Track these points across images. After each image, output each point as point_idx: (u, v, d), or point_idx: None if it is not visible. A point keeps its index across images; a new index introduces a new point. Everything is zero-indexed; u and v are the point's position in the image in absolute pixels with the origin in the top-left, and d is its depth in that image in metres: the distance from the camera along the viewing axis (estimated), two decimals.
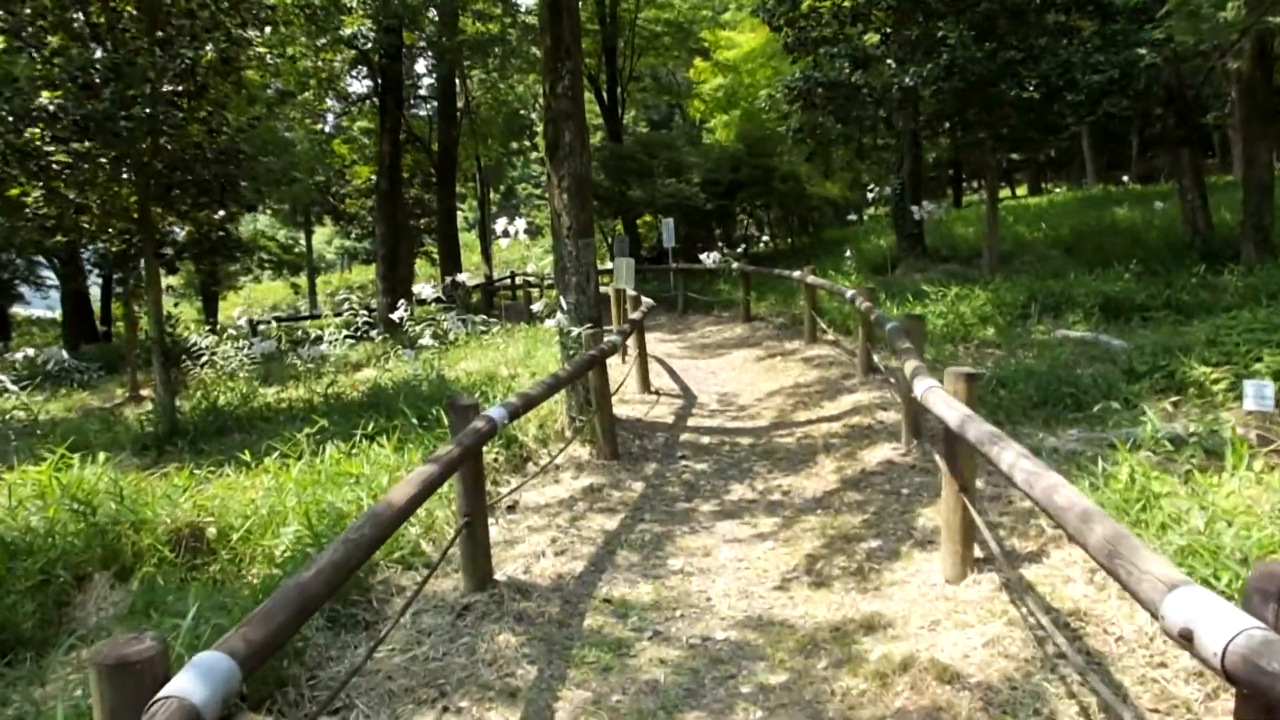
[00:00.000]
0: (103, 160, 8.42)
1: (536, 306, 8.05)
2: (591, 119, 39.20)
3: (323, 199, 28.68)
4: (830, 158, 19.66)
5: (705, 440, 7.78)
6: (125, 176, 8.84)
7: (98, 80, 7.27)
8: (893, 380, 8.64)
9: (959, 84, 10.78)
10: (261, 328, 12.14)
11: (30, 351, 16.14)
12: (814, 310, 11.84)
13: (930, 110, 12.11)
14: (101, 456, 6.48)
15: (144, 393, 17.72)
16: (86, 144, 8.30)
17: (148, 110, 7.80)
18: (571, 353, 7.50)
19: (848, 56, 11.64)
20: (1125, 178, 28.20)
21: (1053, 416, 6.88)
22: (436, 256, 26.43)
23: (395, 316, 11.55)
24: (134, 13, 7.77)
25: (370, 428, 7.40)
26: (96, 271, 27.75)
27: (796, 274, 12.22)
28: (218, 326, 11.89)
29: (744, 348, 12.65)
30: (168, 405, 9.47)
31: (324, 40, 15.02)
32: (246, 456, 6.97)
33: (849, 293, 9.55)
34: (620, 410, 8.88)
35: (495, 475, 6.78)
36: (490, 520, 5.64)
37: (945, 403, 4.02)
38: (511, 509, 6.18)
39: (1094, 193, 25.20)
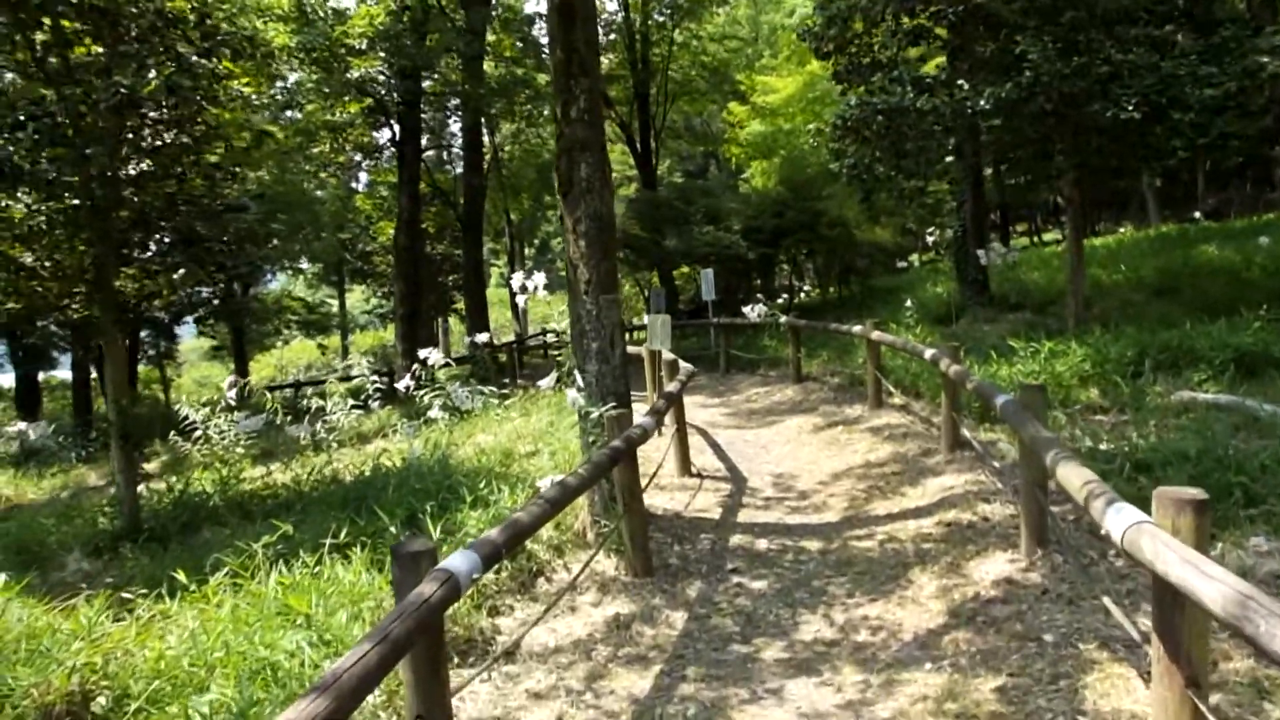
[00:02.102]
0: (45, 213, 7.17)
1: (545, 382, 6.50)
2: (625, 169, 38.29)
3: (350, 257, 27.70)
4: (888, 197, 18.22)
5: (762, 544, 6.19)
6: (80, 234, 7.60)
7: (22, 116, 6.05)
8: (993, 461, 7.01)
9: (1043, 106, 9.27)
10: (264, 395, 10.92)
11: (21, 425, 15.04)
12: (878, 370, 10.25)
13: (1001, 138, 10.56)
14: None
15: (145, 467, 16.55)
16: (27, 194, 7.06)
17: (86, 152, 6.55)
18: (591, 440, 5.99)
19: (910, 80, 10.20)
20: (1196, 214, 26.31)
21: (1221, 516, 5.21)
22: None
23: (401, 385, 10.15)
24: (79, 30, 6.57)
25: (345, 533, 5.95)
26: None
27: (857, 328, 10.67)
28: (244, 388, 10.56)
29: (798, 414, 11.06)
30: (127, 498, 8.13)
31: (329, 85, 13.94)
32: (183, 577, 5.52)
33: (928, 352, 7.97)
34: (656, 501, 7.33)
35: (494, 600, 5.28)
36: (478, 680, 4.13)
37: (1169, 551, 2.45)
38: (510, 655, 4.65)
39: (1165, 231, 23.37)
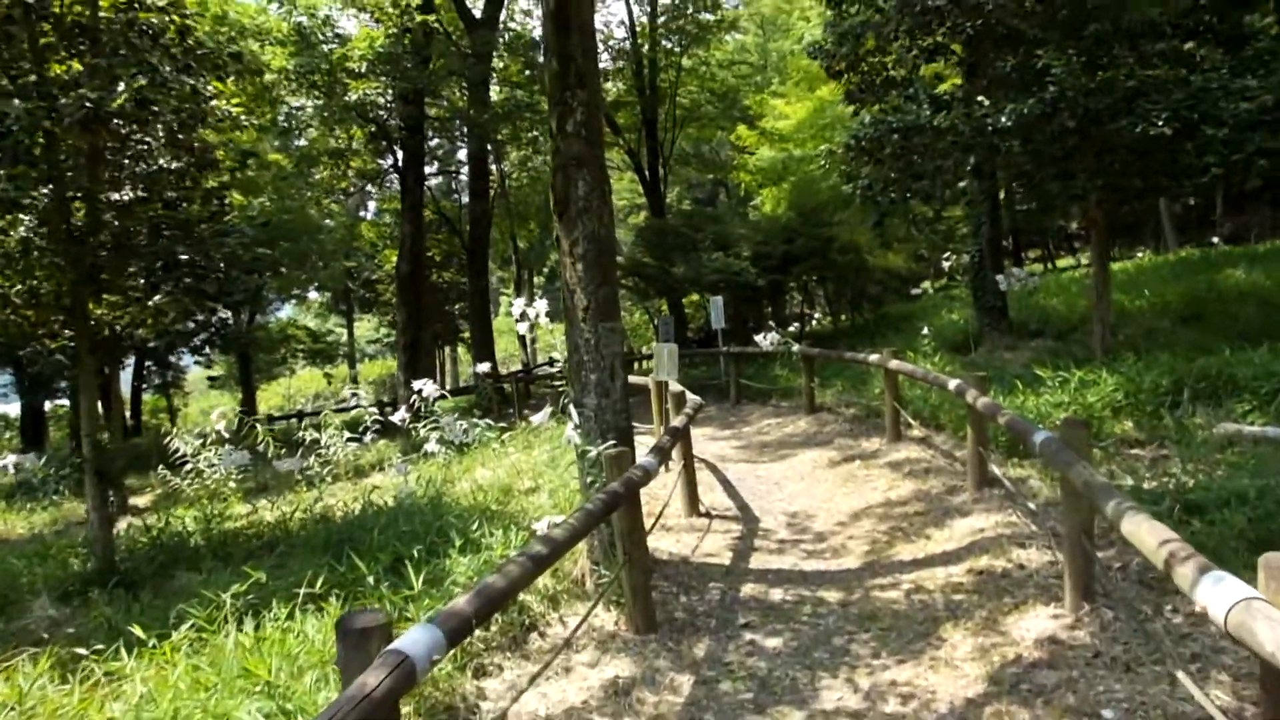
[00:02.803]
0: (13, 237, 6.77)
1: (539, 416, 6.00)
2: (634, 197, 37.99)
3: (353, 285, 27.36)
4: (901, 223, 17.76)
5: (776, 594, 5.66)
6: (50, 260, 7.18)
7: None
8: (1025, 501, 6.49)
9: (1066, 122, 8.80)
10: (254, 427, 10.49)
11: (12, 457, 14.62)
12: (896, 401, 9.74)
13: (1021, 158, 10.09)
14: None
15: (134, 502, 16.09)
16: None
17: (54, 173, 6.14)
18: (590, 480, 5.50)
19: (927, 98, 9.77)
20: (1215, 239, 25.76)
21: None
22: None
23: (396, 418, 9.68)
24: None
25: (322, 582, 5.46)
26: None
27: (874, 357, 10.17)
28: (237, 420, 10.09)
29: (812, 447, 10.54)
30: (101, 538, 7.65)
31: (329, 109, 13.60)
32: (140, 632, 5.03)
33: (952, 383, 7.46)
34: (661, 544, 6.83)
35: (481, 659, 4.77)
36: None
37: None
38: None
39: (1185, 256, 22.83)
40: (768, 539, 7.04)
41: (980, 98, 9.29)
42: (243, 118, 8.93)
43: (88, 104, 5.74)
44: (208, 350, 21.44)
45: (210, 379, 32.21)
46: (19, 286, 7.45)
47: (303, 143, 18.34)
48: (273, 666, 4.18)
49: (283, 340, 31.00)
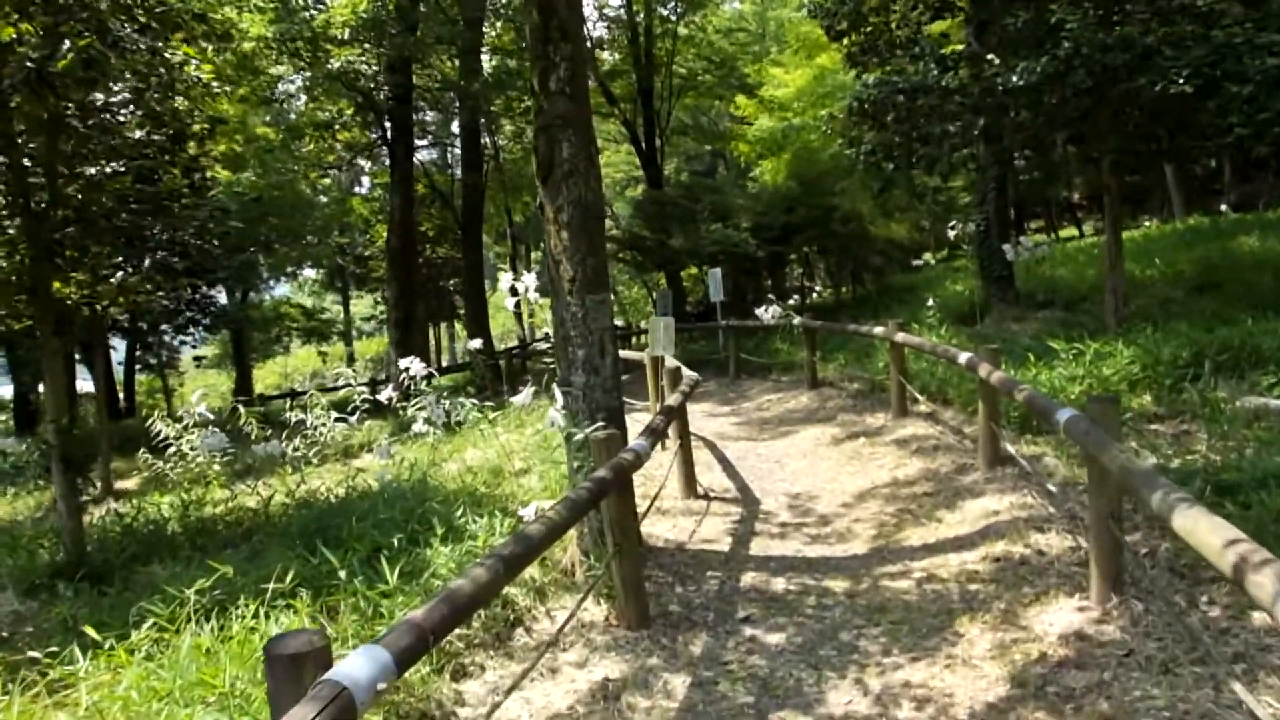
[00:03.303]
0: None
1: (521, 397, 5.58)
2: (631, 170, 37.39)
3: (342, 261, 26.91)
4: (903, 194, 17.29)
5: (779, 584, 5.30)
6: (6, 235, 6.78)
7: None
8: (1043, 481, 6.12)
9: (1083, 81, 8.35)
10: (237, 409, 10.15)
11: None
12: (902, 375, 9.36)
13: (1032, 119, 9.62)
14: None
15: (121, 485, 15.76)
16: None
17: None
18: (578, 465, 5.12)
19: (933, 57, 9.29)
20: (1223, 207, 25.28)
21: None
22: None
23: (383, 397, 9.31)
24: None
25: (292, 576, 5.10)
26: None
27: (879, 330, 9.77)
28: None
29: (814, 424, 10.17)
30: (70, 528, 7.29)
31: (311, 78, 13.10)
32: (94, 633, 4.67)
33: (963, 356, 7.08)
34: (656, 529, 6.47)
35: (462, 658, 4.42)
36: None
37: None
38: None
39: (1194, 224, 22.38)
40: (769, 522, 6.68)
41: (990, 55, 8.83)
42: (217, 85, 8.44)
43: (29, 64, 5.31)
44: (192, 330, 21.04)
45: (196, 359, 31.67)
46: None
47: (290, 115, 17.83)
48: (230, 673, 3.83)
49: (276, 319, 30.57)
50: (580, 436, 4.80)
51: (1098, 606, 4.26)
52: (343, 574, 4.94)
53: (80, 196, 7.47)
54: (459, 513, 6.17)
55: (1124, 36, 8.24)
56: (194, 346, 24.54)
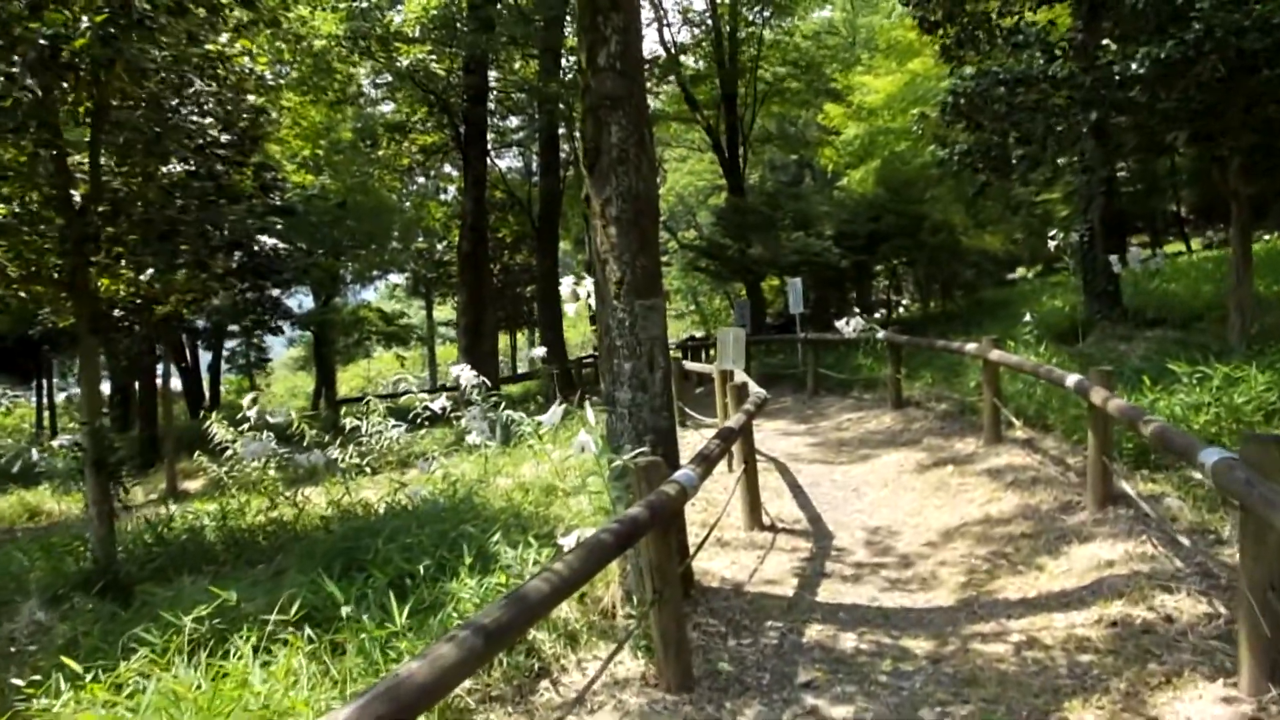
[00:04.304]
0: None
1: (548, 416, 4.84)
2: (714, 178, 36.67)
3: (416, 266, 26.85)
4: (1002, 200, 16.19)
5: (848, 640, 4.54)
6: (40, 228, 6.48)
7: None
8: (1167, 527, 5.23)
9: (1213, 69, 7.37)
10: (279, 418, 9.81)
11: (65, 439, 14.32)
12: (996, 397, 8.46)
13: (1151, 114, 8.62)
14: None
15: (187, 486, 15.74)
16: None
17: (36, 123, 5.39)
18: (617, 495, 4.47)
19: (1039, 44, 8.38)
20: None
21: None
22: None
23: (436, 406, 8.84)
24: None
25: (299, 608, 4.58)
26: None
27: (971, 346, 8.89)
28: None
29: (897, 448, 9.31)
30: (100, 535, 6.96)
31: (383, 76, 12.80)
32: (73, 664, 4.20)
33: (1071, 379, 6.20)
34: (713, 565, 5.77)
35: (473, 716, 3.81)
36: None
37: None
38: None
39: None
40: (842, 561, 5.91)
41: (1105, 41, 7.89)
42: (271, 77, 8.09)
43: (42, 41, 4.96)
44: (258, 331, 21.10)
45: (239, 363, 31.88)
46: (15, 259, 6.76)
47: (367, 114, 17.67)
48: None
49: (355, 323, 30.75)
50: (619, 463, 4.14)
51: (1250, 698, 3.42)
52: (347, 609, 4.38)
53: (124, 191, 7.15)
54: (495, 538, 5.59)
55: (1262, 17, 7.22)
56: (257, 349, 24.71)
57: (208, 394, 30.83)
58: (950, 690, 3.91)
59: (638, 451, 4.31)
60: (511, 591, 2.50)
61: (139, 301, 7.95)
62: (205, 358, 31.20)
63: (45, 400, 31.90)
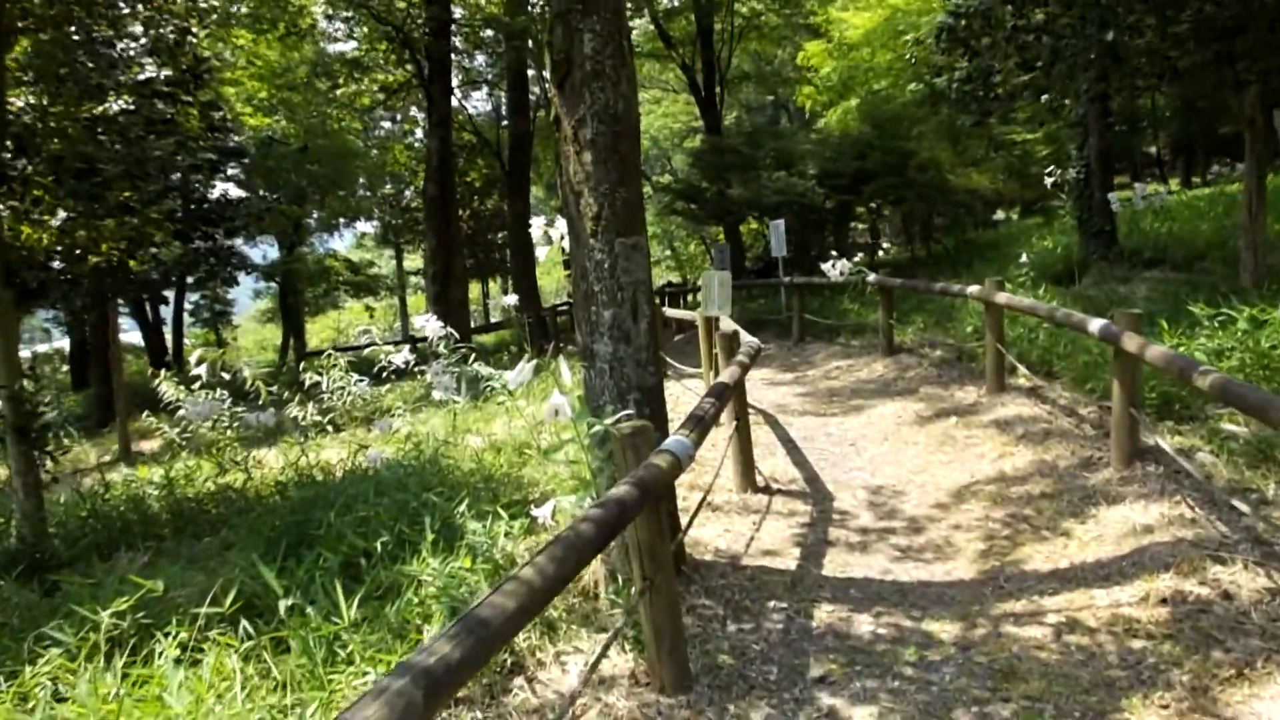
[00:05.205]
0: None
1: (515, 375, 4.10)
2: (690, 120, 35.64)
3: (384, 213, 25.87)
4: (985, 140, 15.51)
5: (864, 624, 4.01)
6: None
7: None
8: (1205, 486, 4.71)
9: None
10: (248, 371, 9.08)
11: None
12: (1000, 343, 7.93)
13: (1159, 40, 7.99)
14: None
15: (142, 447, 15.02)
16: None
17: None
18: (596, 467, 3.87)
19: None
20: None
21: None
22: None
23: (399, 360, 8.17)
24: None
25: (234, 598, 3.98)
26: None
27: (974, 289, 8.32)
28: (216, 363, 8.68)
29: (892, 397, 8.78)
30: (27, 509, 6.30)
31: (337, 8, 11.87)
32: None
33: (1094, 323, 5.63)
34: (705, 533, 5.21)
35: None
36: None
37: None
38: None
39: None
40: (845, 526, 5.38)
41: None
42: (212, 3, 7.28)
43: None
44: (210, 283, 20.19)
45: (204, 316, 30.78)
46: None
47: (324, 51, 16.65)
48: None
49: (321, 273, 29.76)
50: (599, 430, 3.53)
51: None
52: (287, 603, 3.78)
53: (39, 127, 6.36)
54: (461, 508, 5.01)
55: None
56: (215, 300, 23.73)
57: (172, 349, 29.81)
58: (986, 684, 3.38)
59: (621, 415, 3.70)
60: (464, 615, 1.90)
61: (68, 251, 7.18)
62: (168, 311, 30.16)
63: None
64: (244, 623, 3.82)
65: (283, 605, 3.73)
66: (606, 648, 3.33)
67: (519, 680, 3.58)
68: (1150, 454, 5.45)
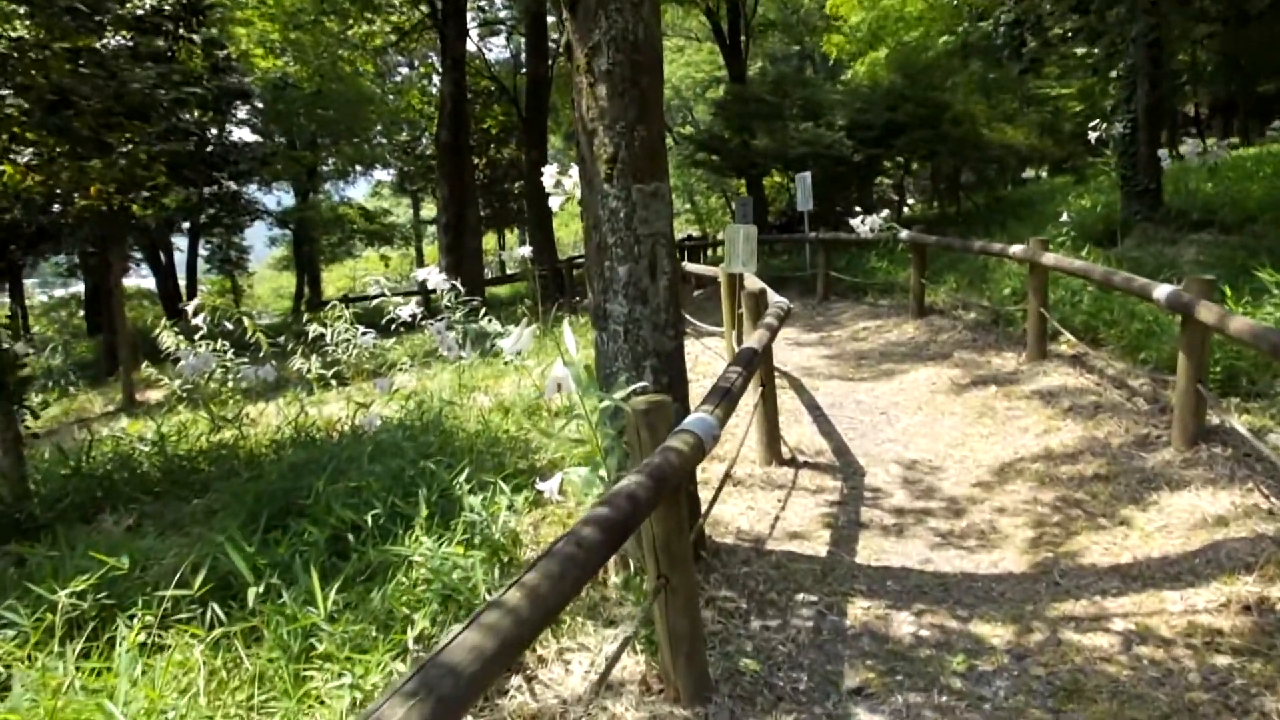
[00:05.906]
0: None
1: (510, 342, 3.59)
2: (713, 69, 34.68)
3: (396, 160, 25.29)
4: (1018, 96, 14.74)
5: (904, 623, 3.58)
6: None
7: None
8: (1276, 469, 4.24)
9: None
10: (265, 320, 8.77)
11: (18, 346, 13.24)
12: (1044, 307, 7.40)
13: None
14: None
15: (147, 396, 14.73)
16: None
17: None
18: (607, 446, 3.42)
19: None
20: None
21: None
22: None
23: (405, 313, 7.74)
24: None
25: (203, 579, 3.61)
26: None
27: (1016, 249, 7.78)
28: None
29: (925, 362, 8.28)
30: (9, 469, 5.95)
31: None
32: None
33: (1160, 290, 5.11)
34: (726, 511, 4.78)
35: None
36: None
37: None
38: None
39: None
40: (879, 506, 4.94)
41: None
42: None
43: None
44: (216, 229, 19.75)
45: (219, 261, 30.23)
46: None
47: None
48: None
49: (335, 221, 29.28)
50: (610, 405, 3.08)
51: None
52: (256, 590, 3.38)
53: (7, 56, 5.89)
54: (461, 477, 4.60)
55: None
56: (217, 247, 23.27)
57: (185, 297, 29.47)
58: (1047, 704, 2.95)
59: (635, 387, 3.25)
60: (427, 662, 1.47)
61: (50, 192, 6.74)
62: (182, 258, 29.82)
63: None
64: (215, 607, 3.45)
65: (252, 593, 3.34)
66: (615, 659, 2.90)
67: (517, 680, 3.19)
68: (1215, 434, 4.97)
